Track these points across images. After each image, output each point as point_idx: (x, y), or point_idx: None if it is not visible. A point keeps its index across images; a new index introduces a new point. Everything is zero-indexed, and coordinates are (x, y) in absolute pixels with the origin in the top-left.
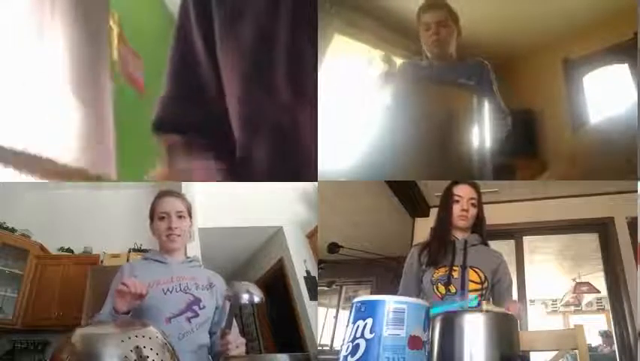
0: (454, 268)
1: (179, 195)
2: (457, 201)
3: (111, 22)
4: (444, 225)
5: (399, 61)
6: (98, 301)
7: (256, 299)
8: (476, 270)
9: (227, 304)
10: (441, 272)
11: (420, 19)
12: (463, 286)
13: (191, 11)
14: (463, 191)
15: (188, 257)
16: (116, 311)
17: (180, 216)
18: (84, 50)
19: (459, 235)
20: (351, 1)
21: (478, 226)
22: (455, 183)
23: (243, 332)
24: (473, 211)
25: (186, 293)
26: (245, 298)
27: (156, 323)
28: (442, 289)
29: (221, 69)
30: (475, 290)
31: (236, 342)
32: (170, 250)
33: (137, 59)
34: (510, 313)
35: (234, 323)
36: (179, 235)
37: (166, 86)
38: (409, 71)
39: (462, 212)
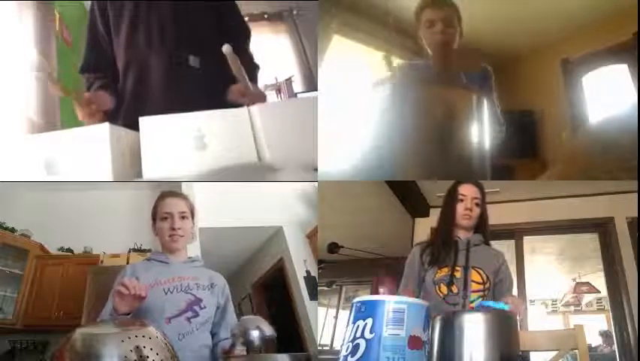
0: (457, 268)
1: (182, 195)
2: (461, 201)
3: (55, 12)
4: (447, 224)
5: (397, 61)
6: (98, 301)
7: (267, 334)
8: (478, 270)
9: (235, 341)
10: (443, 272)
11: (421, 15)
12: (465, 287)
13: (97, 13)
14: (467, 190)
15: (190, 257)
16: (115, 312)
17: (183, 217)
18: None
19: (462, 235)
20: (348, 1)
21: (481, 225)
22: (459, 182)
23: None
24: (477, 211)
25: (187, 293)
26: (254, 335)
27: (156, 323)
28: (444, 289)
29: (113, 39)
30: (477, 290)
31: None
32: (172, 250)
33: (67, 29)
34: (510, 310)
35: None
36: (181, 236)
37: (85, 49)
38: (407, 72)
39: (466, 211)
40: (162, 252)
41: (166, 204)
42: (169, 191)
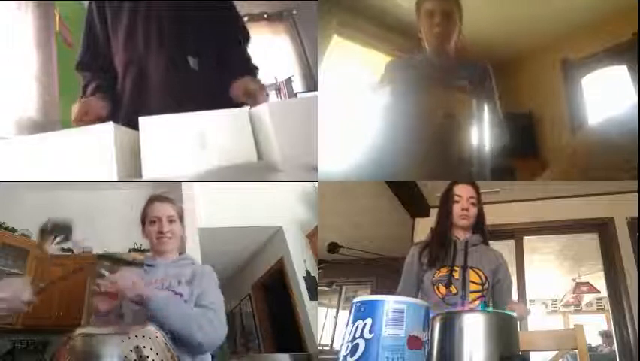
0: (455, 268)
1: (169, 200)
2: (457, 201)
3: (55, 12)
4: (444, 225)
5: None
6: None
7: None
8: (477, 270)
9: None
10: (442, 273)
11: (422, 6)
12: (464, 287)
13: (95, 13)
14: (462, 191)
15: (180, 255)
16: (97, 312)
17: (171, 221)
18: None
19: (460, 235)
20: (346, 1)
21: (478, 225)
22: (454, 183)
23: (243, 332)
24: (474, 210)
25: (167, 291)
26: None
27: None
28: (442, 289)
29: (111, 39)
30: (476, 291)
31: None
32: (160, 253)
33: (68, 29)
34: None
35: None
36: (170, 238)
37: (81, 47)
38: (400, 68)
39: (463, 211)
40: (152, 255)
41: (154, 208)
42: (157, 195)
